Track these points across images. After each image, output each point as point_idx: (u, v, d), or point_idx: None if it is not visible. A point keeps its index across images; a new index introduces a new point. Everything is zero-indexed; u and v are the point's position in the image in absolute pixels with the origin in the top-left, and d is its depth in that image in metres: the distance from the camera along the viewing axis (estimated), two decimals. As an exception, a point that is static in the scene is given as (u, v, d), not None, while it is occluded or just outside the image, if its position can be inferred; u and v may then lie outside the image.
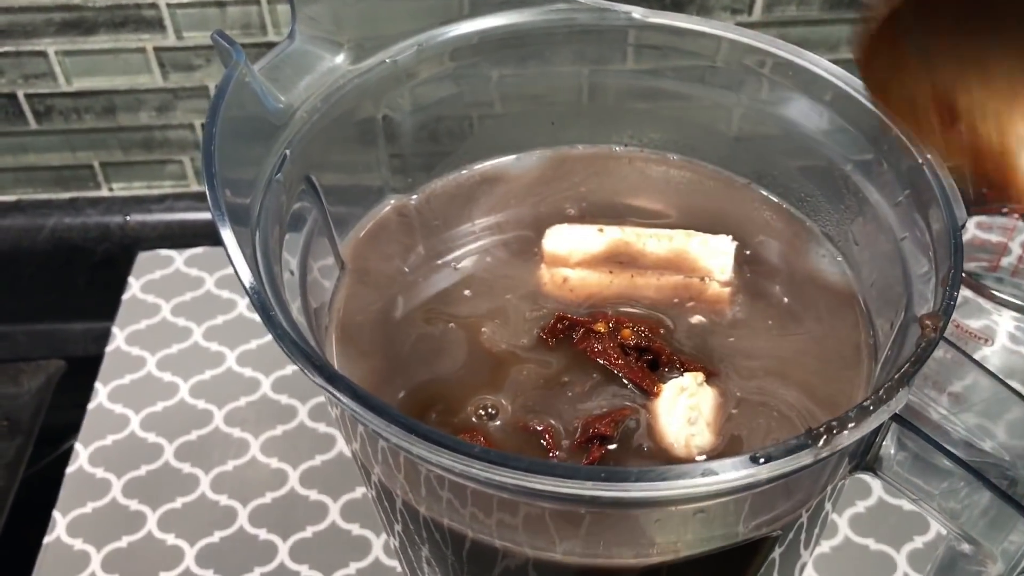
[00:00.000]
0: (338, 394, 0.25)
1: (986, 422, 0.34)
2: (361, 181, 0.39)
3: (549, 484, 0.24)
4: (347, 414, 0.31)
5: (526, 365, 0.34)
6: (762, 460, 0.24)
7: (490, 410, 0.33)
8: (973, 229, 0.67)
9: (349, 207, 0.38)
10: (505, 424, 0.32)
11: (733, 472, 0.24)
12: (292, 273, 0.32)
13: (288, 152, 0.33)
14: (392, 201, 0.40)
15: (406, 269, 0.38)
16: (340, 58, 0.36)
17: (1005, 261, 0.65)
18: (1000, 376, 0.57)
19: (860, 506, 0.54)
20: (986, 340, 0.52)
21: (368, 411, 0.25)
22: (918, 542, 0.53)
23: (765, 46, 0.37)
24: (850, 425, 0.25)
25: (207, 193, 0.28)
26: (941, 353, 0.33)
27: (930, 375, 0.35)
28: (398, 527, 0.35)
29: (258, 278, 0.28)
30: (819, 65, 0.36)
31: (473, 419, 0.32)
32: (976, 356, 0.58)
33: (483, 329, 0.36)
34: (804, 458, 0.25)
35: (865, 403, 0.26)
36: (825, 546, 0.53)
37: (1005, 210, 0.62)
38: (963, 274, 0.49)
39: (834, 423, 0.25)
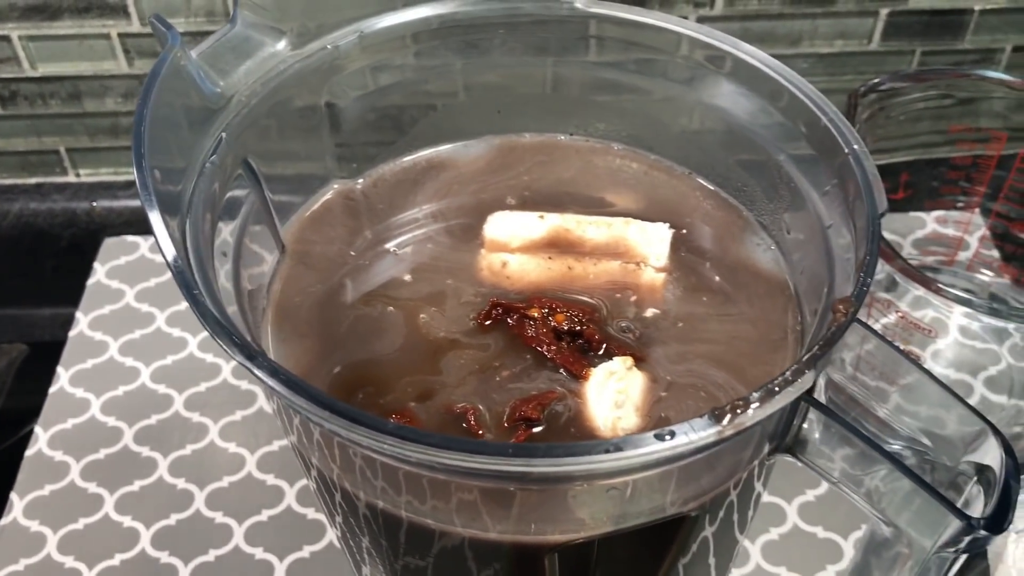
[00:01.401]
0: (256, 370, 0.26)
1: (915, 411, 0.35)
2: (304, 167, 0.40)
3: (458, 459, 0.25)
4: (282, 404, 0.31)
5: (460, 349, 0.35)
6: (667, 437, 0.25)
7: (420, 392, 0.33)
8: (932, 223, 0.68)
9: (291, 191, 0.39)
10: (434, 406, 0.33)
11: (636, 449, 0.25)
12: (226, 256, 0.32)
13: (224, 135, 0.33)
14: (336, 185, 0.41)
15: (352, 252, 0.39)
16: (281, 44, 0.36)
17: (961, 255, 0.66)
18: (949, 367, 0.58)
19: (809, 495, 0.55)
20: (932, 332, 0.53)
21: (285, 388, 0.26)
22: (864, 530, 0.53)
23: (703, 37, 0.38)
24: (754, 405, 0.26)
25: (135, 175, 0.28)
26: (883, 346, 0.33)
27: (877, 366, 0.35)
28: (339, 518, 0.36)
29: (184, 257, 0.28)
30: (755, 57, 0.37)
31: (403, 401, 0.33)
32: (928, 349, 0.59)
33: (420, 313, 0.36)
34: (708, 437, 0.25)
35: (770, 384, 0.26)
36: (774, 533, 0.54)
37: (960, 204, 0.63)
38: (912, 268, 0.50)
39: (739, 402, 0.26)
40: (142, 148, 0.29)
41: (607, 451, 0.25)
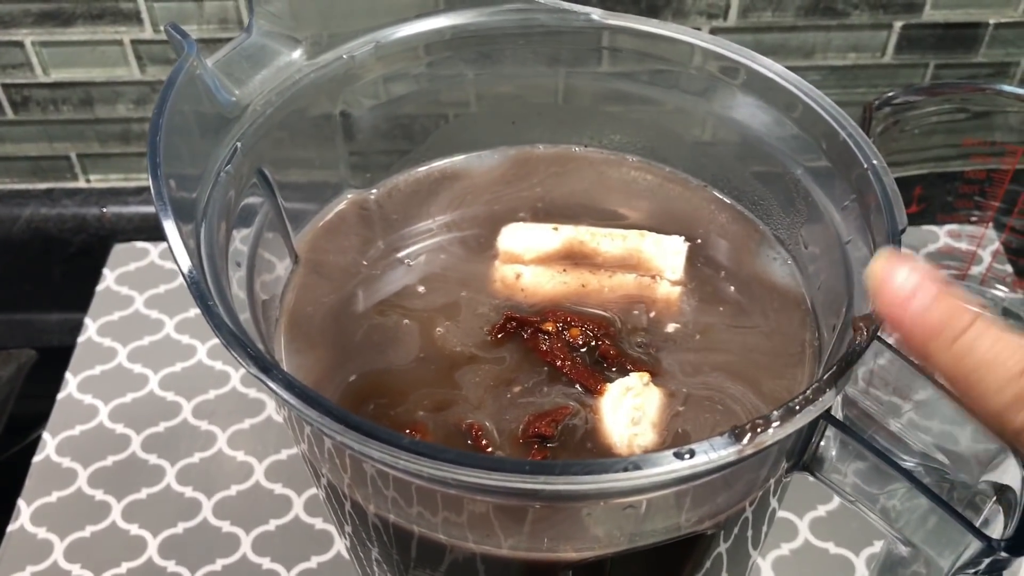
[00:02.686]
0: (270, 383, 0.26)
1: (931, 427, 0.34)
2: (318, 176, 0.39)
3: (474, 476, 0.25)
4: (293, 414, 0.31)
5: (474, 362, 0.35)
6: (686, 456, 0.25)
7: (432, 405, 0.33)
8: (944, 237, 0.67)
9: (305, 201, 0.39)
10: (446, 420, 0.32)
11: (656, 467, 0.24)
12: (239, 265, 0.32)
13: (239, 145, 0.33)
14: (350, 195, 0.41)
15: (364, 263, 0.39)
16: (297, 53, 0.36)
17: (975, 270, 0.65)
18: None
19: (821, 510, 0.55)
20: (946, 347, 0.53)
21: (300, 401, 0.26)
22: (877, 546, 0.53)
23: (721, 50, 0.38)
24: (775, 424, 0.25)
25: (150, 184, 0.28)
26: (898, 361, 0.33)
27: (891, 381, 0.35)
28: (348, 528, 0.35)
29: (199, 268, 0.28)
30: (772, 70, 0.37)
31: (415, 413, 0.33)
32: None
33: (433, 325, 0.36)
34: (728, 456, 0.25)
35: (791, 402, 0.26)
36: (785, 548, 0.53)
37: (974, 219, 0.63)
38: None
39: (759, 421, 0.25)
40: (157, 158, 0.29)
41: (625, 469, 0.24)
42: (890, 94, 0.55)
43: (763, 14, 0.65)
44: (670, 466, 0.24)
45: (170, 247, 0.28)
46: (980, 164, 0.60)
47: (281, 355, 0.35)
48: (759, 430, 0.25)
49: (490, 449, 0.31)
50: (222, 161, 0.32)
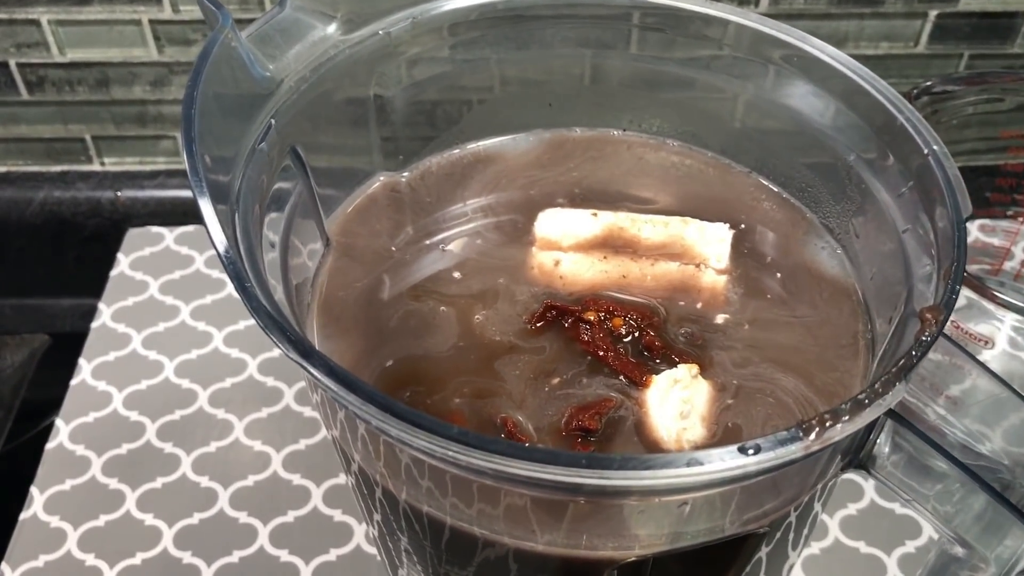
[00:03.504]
0: (311, 369, 0.24)
1: (983, 425, 0.33)
2: (350, 156, 0.38)
3: (527, 469, 0.23)
4: (327, 398, 0.30)
5: (512, 351, 0.33)
6: (751, 452, 0.23)
7: (470, 394, 0.32)
8: (975, 232, 0.66)
9: (336, 183, 0.37)
10: (484, 409, 0.31)
11: (720, 463, 0.23)
12: (273, 247, 0.31)
13: (273, 122, 0.32)
14: (382, 178, 0.39)
15: (394, 247, 0.37)
16: (332, 28, 0.35)
17: (1007, 265, 0.64)
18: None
19: (851, 508, 0.53)
20: (986, 343, 0.51)
21: (342, 387, 0.24)
22: (909, 546, 0.52)
23: (771, 31, 0.36)
24: (843, 419, 0.24)
25: (185, 158, 0.27)
26: (940, 355, 0.32)
27: (927, 376, 0.34)
28: (377, 516, 0.34)
29: (235, 248, 0.27)
30: (826, 52, 0.35)
31: (452, 402, 0.31)
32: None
33: (469, 312, 0.35)
34: (794, 451, 0.24)
35: (860, 396, 0.25)
36: (815, 547, 0.52)
37: (1010, 213, 0.61)
38: (965, 274, 0.48)
39: (827, 416, 0.24)
40: (192, 132, 0.27)
41: (688, 464, 0.23)
42: (928, 83, 0.54)
43: (795, 1, 0.64)
44: (734, 461, 0.23)
45: (206, 226, 0.26)
46: (1018, 157, 0.59)
47: (314, 340, 0.33)
48: (828, 425, 0.24)
49: (527, 441, 0.30)
50: (256, 138, 0.31)
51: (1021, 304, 0.48)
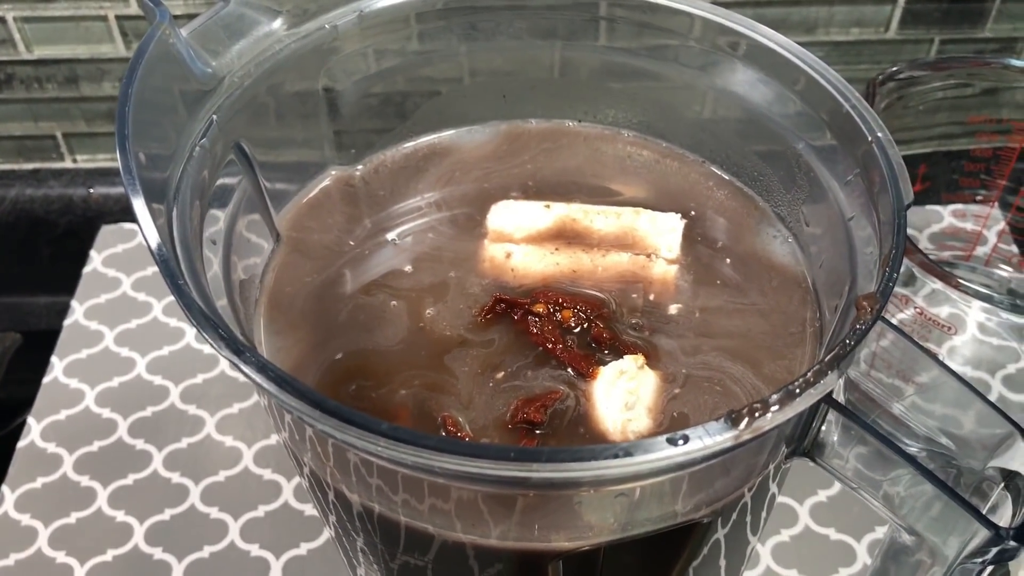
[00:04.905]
0: (242, 365, 0.24)
1: (935, 410, 0.33)
2: (300, 151, 0.38)
3: (456, 463, 0.23)
4: (272, 401, 0.30)
5: (461, 345, 0.33)
6: (679, 442, 0.23)
7: (416, 388, 0.32)
8: (949, 217, 0.66)
9: (287, 177, 0.37)
10: (430, 403, 0.31)
11: (648, 454, 0.23)
12: (215, 243, 0.31)
13: (215, 118, 0.32)
14: (335, 171, 0.39)
15: (348, 241, 0.37)
16: (277, 23, 0.35)
17: (979, 250, 0.64)
18: (966, 365, 0.57)
19: (821, 495, 0.53)
20: (950, 329, 0.51)
21: (273, 384, 0.24)
22: (879, 532, 0.52)
23: (719, 19, 0.36)
24: (773, 408, 0.24)
25: (119, 158, 0.27)
26: (902, 342, 0.32)
27: (894, 363, 0.34)
28: (332, 518, 0.34)
29: (169, 246, 0.27)
30: (774, 40, 0.35)
31: (398, 396, 0.31)
32: (945, 346, 0.57)
33: (419, 306, 0.34)
34: (724, 441, 0.24)
35: (790, 386, 0.25)
36: (785, 535, 0.52)
37: (979, 198, 0.61)
38: (932, 262, 0.48)
39: (757, 405, 0.24)
40: (126, 130, 0.27)
41: (616, 456, 0.23)
42: (894, 68, 0.54)
43: (764, -12, 0.63)
44: (662, 452, 0.23)
45: (139, 224, 0.26)
46: (986, 142, 0.59)
47: (261, 337, 0.33)
48: (757, 414, 0.24)
49: (469, 438, 0.30)
50: (197, 135, 0.31)
51: (985, 292, 0.48)
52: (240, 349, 0.25)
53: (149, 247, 0.26)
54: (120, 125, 0.27)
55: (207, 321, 0.25)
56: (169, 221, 0.28)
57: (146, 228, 0.26)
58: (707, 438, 0.23)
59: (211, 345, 0.25)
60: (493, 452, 0.23)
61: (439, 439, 0.23)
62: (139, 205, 0.26)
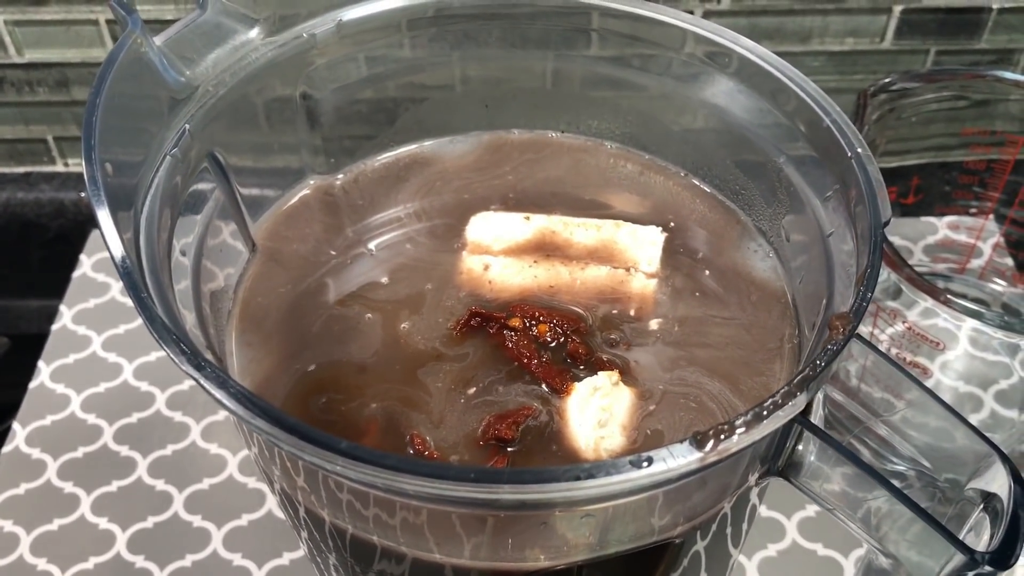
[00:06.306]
0: (202, 380, 0.24)
1: (916, 431, 0.33)
2: (277, 160, 0.38)
3: (417, 484, 0.23)
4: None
5: (435, 358, 0.33)
6: (643, 464, 0.23)
7: (388, 402, 0.31)
8: (944, 229, 0.66)
9: (264, 186, 0.37)
10: (399, 418, 0.31)
11: (611, 476, 0.23)
12: (183, 254, 0.30)
13: (188, 127, 0.31)
14: (314, 181, 0.39)
15: (329, 251, 0.37)
16: (254, 32, 0.34)
17: (973, 263, 0.63)
18: (959, 379, 0.56)
19: (809, 510, 0.53)
20: (939, 344, 0.51)
21: (233, 401, 0.24)
22: (864, 555, 0.51)
23: (704, 32, 0.36)
24: (739, 430, 0.24)
25: (84, 168, 0.27)
26: (883, 364, 0.31)
27: (882, 378, 0.33)
28: (304, 534, 0.34)
29: (135, 257, 0.26)
30: (755, 53, 0.35)
31: (369, 411, 0.31)
32: (937, 361, 0.57)
33: (395, 317, 0.34)
34: (689, 464, 0.23)
35: (758, 407, 0.24)
36: (772, 550, 0.51)
37: (972, 210, 0.61)
38: (920, 277, 0.48)
39: (723, 427, 0.24)
40: (92, 140, 0.27)
41: (577, 478, 0.23)
42: (886, 80, 0.53)
43: (758, -3, 0.63)
44: (626, 475, 0.23)
45: (102, 235, 0.26)
46: (980, 154, 0.58)
47: (232, 348, 0.33)
48: (723, 436, 0.23)
49: (436, 456, 0.30)
50: (168, 144, 0.31)
51: (975, 308, 0.47)
52: (201, 364, 0.24)
53: (113, 258, 0.26)
54: (86, 135, 0.27)
55: (168, 335, 0.25)
56: (136, 230, 0.28)
57: (110, 239, 0.26)
58: (671, 460, 0.23)
59: (172, 360, 0.25)
60: (453, 473, 0.23)
61: (399, 459, 0.23)
62: (103, 215, 0.26)
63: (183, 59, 0.32)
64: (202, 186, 0.33)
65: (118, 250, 0.26)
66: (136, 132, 0.30)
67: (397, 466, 0.23)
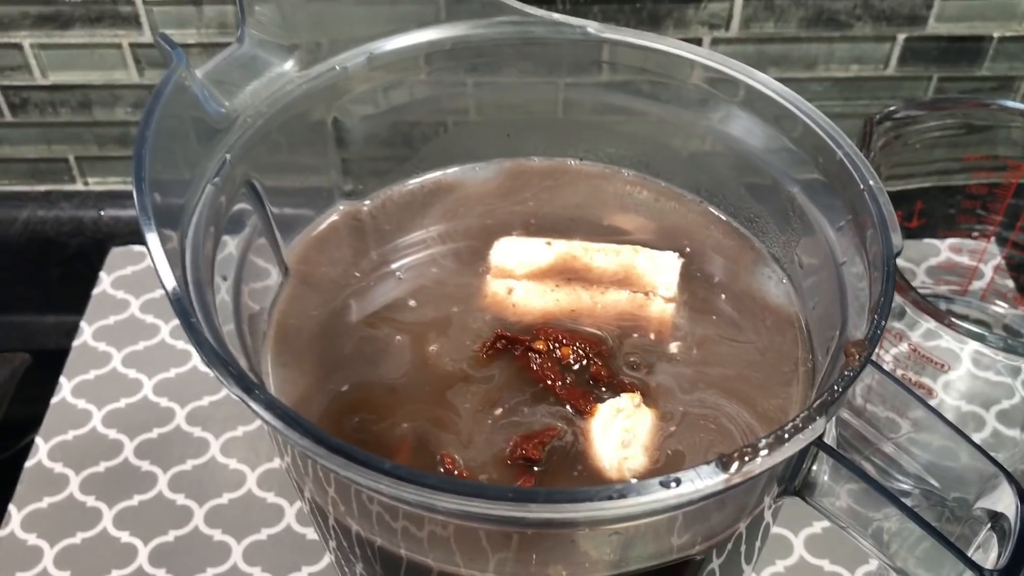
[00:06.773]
0: (252, 403, 0.25)
1: (923, 450, 0.34)
2: (310, 186, 0.39)
3: (455, 503, 0.24)
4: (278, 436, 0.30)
5: (462, 380, 0.34)
6: (672, 485, 0.24)
7: (419, 422, 0.33)
8: (946, 252, 0.67)
9: (297, 211, 0.38)
10: (431, 438, 0.32)
11: (641, 496, 0.24)
12: (225, 279, 0.32)
13: (228, 157, 0.33)
14: (343, 206, 0.40)
15: (357, 274, 0.38)
16: (289, 64, 0.36)
17: (976, 285, 0.65)
18: (961, 399, 0.57)
19: (816, 527, 0.54)
20: (943, 366, 0.52)
21: (282, 423, 0.25)
22: (872, 564, 0.52)
23: (717, 65, 0.37)
24: (763, 453, 0.25)
25: (135, 198, 0.28)
26: (890, 384, 0.32)
27: (888, 398, 0.34)
28: (332, 543, 0.35)
29: (183, 282, 0.28)
30: (769, 86, 0.36)
31: (400, 430, 0.32)
32: (939, 380, 0.58)
33: (423, 339, 0.35)
34: (715, 485, 0.24)
35: (780, 431, 0.25)
36: (779, 566, 0.53)
37: (975, 234, 0.62)
38: (925, 300, 0.49)
39: (747, 450, 0.25)
40: (143, 171, 0.28)
41: (610, 498, 0.24)
42: (891, 108, 0.55)
43: (765, 25, 0.64)
44: (655, 495, 0.24)
45: (153, 262, 0.27)
46: (982, 179, 0.60)
47: (268, 368, 0.34)
48: (747, 458, 0.25)
49: (466, 475, 0.31)
50: (211, 174, 0.32)
51: (978, 331, 0.48)
52: (250, 387, 0.26)
53: (164, 287, 0.27)
54: (137, 166, 0.28)
55: (217, 358, 0.26)
56: (182, 254, 0.29)
57: (161, 268, 0.27)
58: (698, 481, 0.24)
59: (221, 382, 0.26)
60: (492, 492, 0.24)
61: (440, 478, 0.24)
62: (154, 244, 0.27)
63: (223, 90, 0.34)
64: (239, 211, 0.34)
65: (169, 279, 0.27)
66: (182, 161, 0.31)
67: (438, 485, 0.24)
